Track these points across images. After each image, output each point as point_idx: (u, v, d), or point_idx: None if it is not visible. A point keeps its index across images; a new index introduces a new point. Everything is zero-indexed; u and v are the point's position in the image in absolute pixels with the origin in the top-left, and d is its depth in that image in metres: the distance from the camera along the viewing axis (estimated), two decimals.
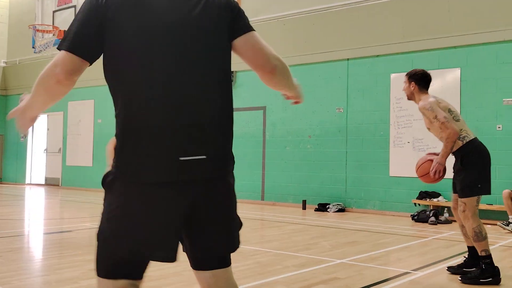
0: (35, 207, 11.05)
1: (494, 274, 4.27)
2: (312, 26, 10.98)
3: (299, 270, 4.69)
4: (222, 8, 1.82)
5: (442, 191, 9.16)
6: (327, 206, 10.14)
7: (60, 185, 15.85)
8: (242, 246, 5.67)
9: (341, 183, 10.38)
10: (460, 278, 4.37)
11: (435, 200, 9.07)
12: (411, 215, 8.99)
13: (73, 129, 15.58)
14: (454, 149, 4.41)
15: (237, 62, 8.25)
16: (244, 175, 11.72)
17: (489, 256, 4.28)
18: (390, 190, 9.70)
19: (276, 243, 6.23)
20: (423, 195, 9.20)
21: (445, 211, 8.80)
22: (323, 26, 10.85)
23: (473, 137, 4.42)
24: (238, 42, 1.88)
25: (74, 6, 10.19)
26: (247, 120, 11.79)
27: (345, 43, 10.48)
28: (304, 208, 10.45)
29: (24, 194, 13.78)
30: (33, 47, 10.76)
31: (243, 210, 10.08)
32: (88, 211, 9.83)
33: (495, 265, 4.30)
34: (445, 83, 9.33)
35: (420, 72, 4.63)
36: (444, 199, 9.05)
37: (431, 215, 8.58)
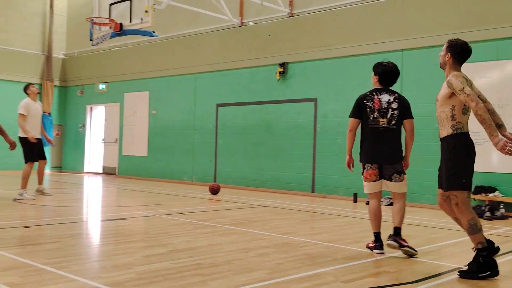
0: (92, 195, 11.49)
1: (491, 267, 4.13)
2: (365, 16, 10.80)
3: (348, 263, 4.67)
4: None
5: (498, 186, 8.84)
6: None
7: (116, 174, 16.39)
8: (292, 238, 5.72)
9: None
10: (458, 273, 4.20)
11: (491, 195, 8.76)
12: None
13: (129, 120, 16.05)
14: (444, 135, 4.31)
15: (288, 54, 8.38)
16: (294, 167, 11.73)
17: (485, 249, 4.14)
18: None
19: (326, 235, 6.22)
20: (479, 189, 8.91)
21: (501, 206, 8.49)
22: (376, 16, 10.64)
23: (466, 131, 4.28)
24: None
25: None
26: (298, 112, 11.76)
27: (399, 33, 10.25)
28: (355, 201, 10.35)
29: (82, 182, 14.34)
30: (90, 40, 11.11)
31: (293, 201, 10.13)
32: (143, 199, 10.13)
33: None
34: (504, 75, 8.96)
35: (460, 45, 4.35)
36: (500, 194, 8.74)
37: (486, 210, 8.31)
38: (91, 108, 17.71)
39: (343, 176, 10.81)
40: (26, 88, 9.29)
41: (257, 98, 12.54)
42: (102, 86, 16.86)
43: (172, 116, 14.64)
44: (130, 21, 10.31)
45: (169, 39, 14.66)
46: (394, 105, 5.11)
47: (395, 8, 10.40)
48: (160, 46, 14.93)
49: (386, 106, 5.12)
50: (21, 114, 8.98)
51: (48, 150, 17.81)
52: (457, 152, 4.20)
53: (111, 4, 10.82)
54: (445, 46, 4.42)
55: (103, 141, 17.27)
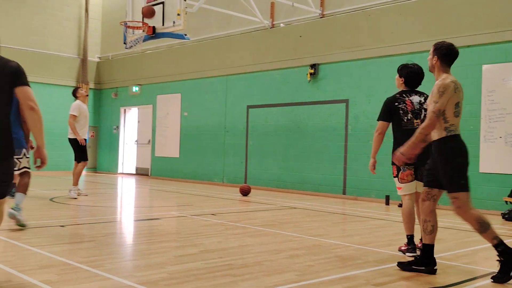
0: (126, 195, 11.69)
1: (430, 263, 4.27)
2: (398, 16, 10.67)
3: (380, 266, 4.63)
4: None
5: None
6: None
7: (149, 175, 16.63)
8: (322, 240, 5.71)
9: None
10: (491, 279, 4.11)
11: None
12: (501, 213, 8.52)
13: (161, 121, 16.27)
14: (436, 137, 4.29)
15: (319, 55, 8.34)
16: (325, 169, 11.67)
17: (502, 243, 4.08)
18: (480, 187, 9.23)
19: (357, 237, 6.17)
20: None
21: None
22: (409, 16, 10.50)
23: (458, 133, 4.28)
24: None
25: (163, 3, 10.57)
26: (329, 113, 11.70)
27: (433, 33, 10.08)
28: (387, 203, 10.23)
29: (116, 183, 14.61)
30: (124, 43, 11.30)
31: (324, 203, 10.07)
32: (175, 200, 10.25)
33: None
34: None
35: (446, 47, 4.45)
36: None
37: None
38: (124, 110, 18.03)
39: (375, 178, 10.70)
40: (75, 91, 9.65)
41: (288, 99, 12.53)
42: (135, 89, 17.14)
43: (203, 117, 14.77)
44: (163, 24, 10.45)
45: (201, 41, 14.80)
46: (423, 107, 5.13)
47: (429, 7, 10.24)
48: (192, 49, 15.09)
49: (418, 107, 5.14)
50: (73, 115, 9.30)
51: None
52: (452, 155, 4.22)
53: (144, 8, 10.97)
54: (431, 50, 4.49)
55: (136, 143, 17.56)
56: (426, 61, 5.44)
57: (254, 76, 13.43)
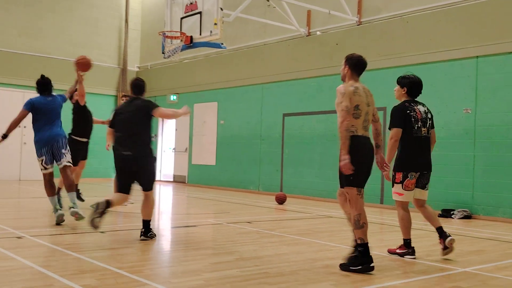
0: (164, 202, 11.85)
1: (364, 262, 4.54)
2: (437, 23, 10.49)
3: (419, 277, 4.54)
4: None
5: None
6: (452, 212, 9.62)
7: (186, 182, 16.82)
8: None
9: (467, 188, 9.79)
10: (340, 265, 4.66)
11: None
12: None
13: (198, 129, 16.45)
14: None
15: None
16: None
17: (365, 245, 4.57)
18: None
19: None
20: None
21: None
22: (449, 22, 10.32)
23: (359, 134, 4.70)
24: None
25: (200, 13, 10.74)
26: None
27: (474, 40, 9.87)
28: None
29: (154, 190, 14.80)
30: (162, 53, 11.51)
31: None
32: (212, 207, 10.33)
33: (370, 253, 4.58)
34: None
35: (355, 58, 4.94)
36: None
37: None
38: (163, 118, 18.29)
39: None
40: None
41: (324, 107, 12.48)
42: (173, 97, 17.42)
43: (239, 126, 14.86)
44: (200, 34, 10.61)
45: (237, 50, 14.93)
46: (429, 115, 5.46)
47: (469, 14, 10.03)
48: (229, 58, 15.24)
49: (425, 116, 5.42)
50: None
51: None
52: (350, 153, 4.60)
53: (182, 18, 11.18)
54: (343, 61, 4.98)
55: (173, 150, 17.80)
56: (466, 69, 5.34)
57: (290, 84, 13.45)
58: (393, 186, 5.46)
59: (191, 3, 10.92)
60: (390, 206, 10.87)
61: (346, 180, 4.72)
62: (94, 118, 9.08)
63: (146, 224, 6.06)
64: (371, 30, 11.65)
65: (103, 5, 18.20)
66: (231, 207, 10.21)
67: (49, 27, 16.98)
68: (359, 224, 4.62)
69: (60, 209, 6.97)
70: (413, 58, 10.77)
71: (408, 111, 5.36)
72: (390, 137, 5.38)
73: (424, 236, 7.27)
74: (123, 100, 9.71)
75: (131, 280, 4.05)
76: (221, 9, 10.25)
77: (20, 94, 15.87)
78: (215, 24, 10.22)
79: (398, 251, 5.46)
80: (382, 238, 7.17)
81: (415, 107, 5.41)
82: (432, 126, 5.48)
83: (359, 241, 4.61)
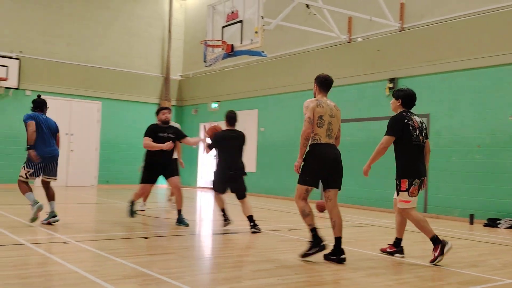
0: (205, 209, 11.96)
1: (316, 244, 5.39)
2: (482, 28, 10.23)
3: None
4: None
5: None
6: (498, 222, 9.31)
7: None
8: (402, 259, 5.52)
9: None
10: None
11: None
12: None
13: None
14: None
15: (398, 69, 8.31)
16: None
17: (314, 229, 5.45)
18: None
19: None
20: None
21: None
22: (494, 27, 10.03)
23: (322, 142, 5.45)
24: None
25: (241, 21, 10.82)
26: None
27: None
28: (471, 222, 9.73)
29: (195, 196, 15.00)
30: (204, 61, 11.67)
31: None
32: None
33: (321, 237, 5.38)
34: None
35: (322, 77, 5.77)
36: None
37: None
38: (204, 126, 18.44)
39: (458, 196, 10.24)
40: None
41: (365, 114, 12.34)
42: (214, 105, 17.60)
43: (279, 133, 14.87)
44: (241, 42, 10.70)
45: (278, 58, 14.97)
46: (424, 126, 5.82)
47: None
48: (269, 65, 15.29)
49: (420, 125, 5.75)
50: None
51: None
52: (308, 158, 5.48)
53: (223, 27, 11.31)
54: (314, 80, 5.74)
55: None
56: (506, 73, 5.17)
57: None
58: (398, 194, 5.68)
59: (232, 12, 11.03)
60: (433, 215, 10.61)
61: (299, 178, 5.63)
62: (188, 137, 9.18)
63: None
64: (414, 36, 11.46)
65: (147, 16, 18.63)
66: (271, 215, 10.20)
67: (94, 37, 17.49)
68: (305, 212, 5.51)
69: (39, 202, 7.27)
70: (457, 64, 10.52)
71: (406, 120, 5.67)
72: (381, 142, 5.76)
73: (470, 246, 7.07)
74: (164, 114, 9.50)
75: (173, 286, 4.10)
76: (262, 17, 10.31)
77: (67, 102, 16.42)
78: (256, 32, 10.29)
79: (435, 254, 5.45)
80: (425, 247, 7.00)
81: (412, 117, 5.73)
82: (427, 137, 5.78)
83: (309, 227, 5.44)
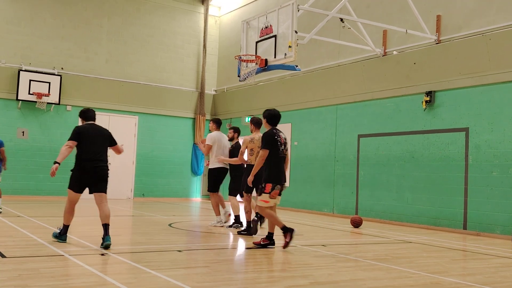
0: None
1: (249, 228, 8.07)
2: None
3: None
4: None
5: None
6: None
7: None
8: (441, 277, 5.39)
9: None
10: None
11: None
12: None
13: None
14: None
15: (435, 82, 8.14)
16: (442, 201, 11.05)
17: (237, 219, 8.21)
18: None
19: (479, 276, 5.73)
20: None
21: None
22: None
23: (249, 163, 8.22)
24: None
25: (275, 36, 10.87)
26: (446, 143, 11.13)
27: None
28: None
29: (230, 210, 14.98)
30: (238, 76, 11.75)
31: (441, 238, 9.53)
32: None
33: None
34: None
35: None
36: None
37: None
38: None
39: (500, 212, 9.92)
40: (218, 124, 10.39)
41: (401, 128, 12.15)
42: (248, 119, 17.67)
43: (313, 147, 14.79)
44: (275, 57, 10.73)
45: (312, 72, 14.95)
46: (286, 141, 7.35)
47: None
48: (303, 79, 15.28)
49: (285, 141, 7.27)
50: (207, 144, 9.95)
51: (199, 179, 19.07)
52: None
53: (257, 42, 11.38)
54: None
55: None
56: None
57: (365, 105, 13.24)
58: (260, 194, 7.04)
59: (266, 27, 11.10)
60: (473, 232, 10.31)
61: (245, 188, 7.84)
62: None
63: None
64: (451, 48, 11.27)
65: (182, 32, 18.95)
66: (305, 230, 10.11)
67: (132, 54, 17.89)
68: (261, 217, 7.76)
69: None
70: (496, 76, 10.28)
71: (276, 137, 7.12)
72: (260, 155, 7.06)
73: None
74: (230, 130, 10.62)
75: None
76: (296, 32, 10.33)
77: (105, 117, 16.78)
78: (290, 46, 10.31)
79: (286, 240, 6.96)
80: (465, 266, 6.79)
81: (279, 133, 7.22)
82: (287, 150, 7.28)
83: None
